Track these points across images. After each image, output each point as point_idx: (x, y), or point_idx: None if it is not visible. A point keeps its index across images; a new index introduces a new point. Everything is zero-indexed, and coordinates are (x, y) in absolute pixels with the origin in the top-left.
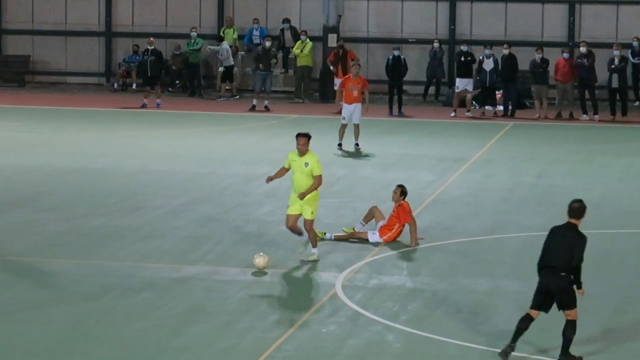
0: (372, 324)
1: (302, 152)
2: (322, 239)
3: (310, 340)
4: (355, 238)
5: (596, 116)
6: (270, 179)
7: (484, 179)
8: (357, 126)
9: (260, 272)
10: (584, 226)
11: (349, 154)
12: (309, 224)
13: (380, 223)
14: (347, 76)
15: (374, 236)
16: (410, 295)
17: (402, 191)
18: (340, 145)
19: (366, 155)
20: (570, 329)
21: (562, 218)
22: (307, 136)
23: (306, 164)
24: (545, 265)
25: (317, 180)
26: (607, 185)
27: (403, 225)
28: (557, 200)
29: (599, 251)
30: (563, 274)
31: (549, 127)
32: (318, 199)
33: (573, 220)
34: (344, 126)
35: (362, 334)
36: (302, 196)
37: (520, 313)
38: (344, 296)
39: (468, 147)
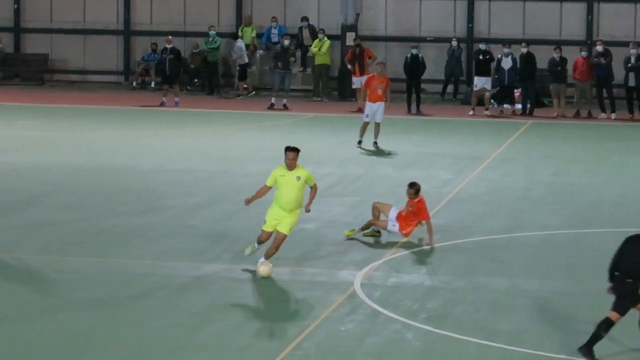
0: (391, 322)
1: (292, 166)
2: (352, 237)
3: (329, 339)
4: (375, 225)
5: (613, 115)
6: (249, 201)
7: (501, 178)
8: (378, 125)
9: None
10: (601, 224)
11: (368, 152)
12: (283, 239)
13: (393, 211)
14: (371, 75)
15: (393, 227)
16: (429, 293)
17: (416, 190)
18: (360, 142)
19: (385, 154)
20: (604, 325)
21: (579, 216)
22: (297, 150)
23: (298, 178)
24: (617, 272)
25: (316, 189)
26: (625, 184)
27: (420, 222)
28: (574, 199)
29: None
30: (630, 280)
31: (567, 125)
32: (298, 215)
33: None
34: (366, 124)
35: (381, 332)
36: (308, 208)
37: (539, 311)
38: (363, 294)
39: (486, 145)
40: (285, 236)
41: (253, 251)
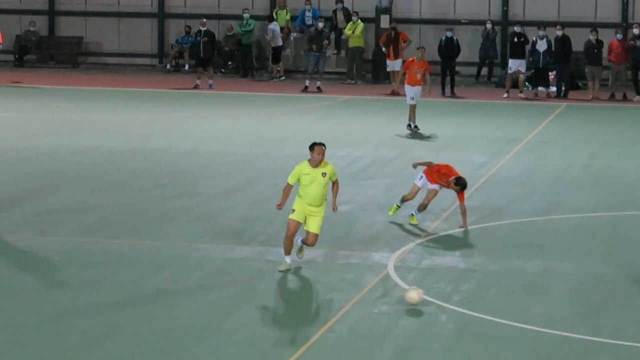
0: (424, 305)
1: (319, 162)
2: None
3: (362, 321)
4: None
5: None
6: (280, 205)
7: (536, 160)
8: (414, 106)
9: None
10: (637, 207)
11: (402, 135)
12: (315, 238)
13: (420, 172)
14: (411, 59)
15: (420, 180)
16: (462, 276)
17: (462, 185)
18: (410, 125)
19: (419, 136)
20: None
21: (615, 199)
22: (324, 145)
23: (323, 174)
24: None
25: (338, 184)
26: None
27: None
28: (610, 182)
29: None
30: None
31: (602, 108)
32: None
33: None
34: (412, 106)
35: (414, 315)
36: (335, 207)
37: (574, 294)
38: (396, 277)
39: (521, 128)
40: (317, 235)
41: (288, 268)
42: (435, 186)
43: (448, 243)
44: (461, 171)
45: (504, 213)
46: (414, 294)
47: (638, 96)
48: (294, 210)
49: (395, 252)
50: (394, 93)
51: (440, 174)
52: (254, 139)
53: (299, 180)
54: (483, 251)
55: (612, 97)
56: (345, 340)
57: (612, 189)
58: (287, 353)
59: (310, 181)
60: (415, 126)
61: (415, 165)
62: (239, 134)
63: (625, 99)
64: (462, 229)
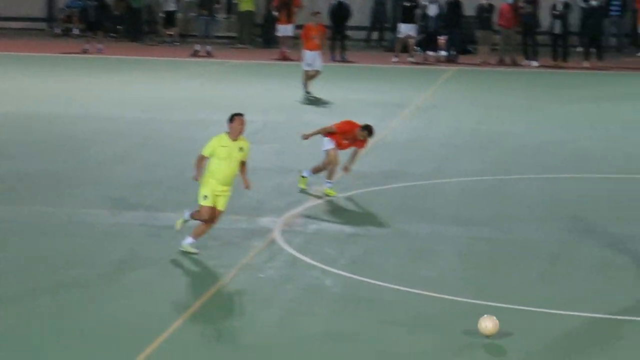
0: (310, 269)
1: (239, 133)
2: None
3: (249, 285)
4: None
5: (534, 62)
6: (197, 179)
7: (425, 124)
8: (317, 72)
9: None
10: (523, 171)
11: (292, 100)
12: (220, 215)
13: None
14: (308, 25)
15: (329, 143)
16: (349, 240)
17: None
18: (307, 92)
19: (309, 101)
20: None
21: (503, 163)
22: (244, 115)
23: (240, 149)
24: None
25: (245, 165)
26: (549, 131)
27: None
28: (497, 146)
29: (539, 196)
30: None
31: (491, 72)
32: None
33: None
34: (306, 72)
35: (300, 279)
36: (248, 184)
37: (460, 258)
38: (283, 241)
39: (410, 92)
40: (222, 213)
41: (184, 224)
42: (332, 146)
43: (336, 207)
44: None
45: (392, 177)
46: (491, 324)
47: (528, 61)
48: (206, 197)
49: (282, 216)
50: (284, 58)
51: (344, 132)
52: (142, 104)
53: (213, 153)
54: (370, 215)
55: (501, 62)
56: (231, 305)
57: (499, 153)
58: (173, 318)
59: (227, 155)
60: (308, 92)
61: (306, 137)
62: (128, 98)
63: (514, 63)
64: (347, 172)
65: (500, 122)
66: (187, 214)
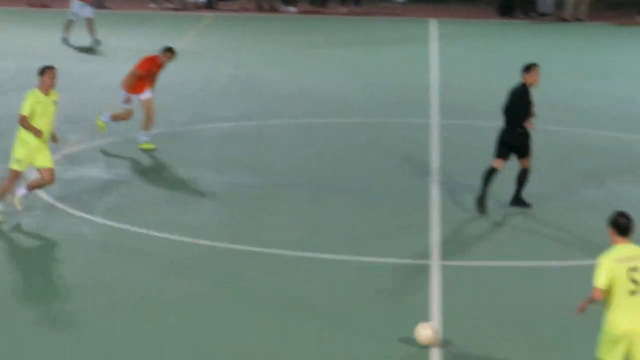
0: (67, 217)
1: (51, 87)
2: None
3: (5, 236)
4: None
5: (292, 8)
6: (39, 135)
7: (182, 70)
8: (91, 20)
9: None
10: (279, 116)
11: (48, 47)
12: (52, 173)
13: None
14: None
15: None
16: (107, 187)
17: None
18: (65, 39)
19: (65, 48)
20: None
21: (258, 109)
22: (54, 68)
23: (54, 102)
24: None
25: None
26: (304, 77)
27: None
28: (255, 92)
29: (295, 141)
30: None
31: (250, 18)
32: None
33: None
34: (70, 22)
35: (58, 227)
36: (57, 138)
37: (218, 202)
38: (40, 190)
39: (169, 38)
40: (52, 169)
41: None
42: (149, 95)
43: (94, 155)
44: (107, 81)
45: None
46: (428, 332)
47: (285, 6)
48: (19, 161)
49: None
50: (44, 5)
51: (150, 68)
52: None
53: (32, 111)
54: (128, 162)
55: (260, 8)
56: None
57: (256, 99)
58: None
59: (43, 111)
60: (65, 38)
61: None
62: None
63: (273, 9)
64: (115, 140)
65: (258, 69)
66: (22, 191)
